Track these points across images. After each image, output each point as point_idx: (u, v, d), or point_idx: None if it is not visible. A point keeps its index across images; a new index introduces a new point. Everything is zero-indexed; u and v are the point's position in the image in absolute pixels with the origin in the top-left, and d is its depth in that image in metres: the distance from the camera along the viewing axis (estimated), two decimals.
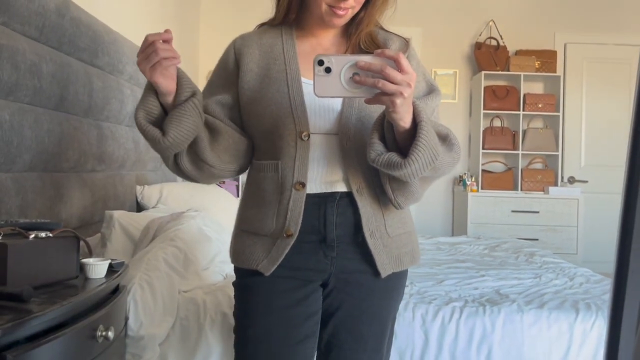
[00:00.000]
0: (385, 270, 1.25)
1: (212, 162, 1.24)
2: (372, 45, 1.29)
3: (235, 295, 1.32)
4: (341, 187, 1.23)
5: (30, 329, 1.01)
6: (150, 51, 1.08)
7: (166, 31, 1.09)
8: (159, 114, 1.16)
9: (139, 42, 3.16)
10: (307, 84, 1.24)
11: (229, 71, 1.31)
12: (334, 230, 1.23)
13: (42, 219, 1.81)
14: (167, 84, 1.12)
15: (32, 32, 1.78)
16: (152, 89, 1.15)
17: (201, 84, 4.79)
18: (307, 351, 1.26)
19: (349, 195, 1.23)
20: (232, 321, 1.81)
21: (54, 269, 1.25)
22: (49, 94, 1.86)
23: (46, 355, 1.03)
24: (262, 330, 1.24)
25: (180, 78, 1.15)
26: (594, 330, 1.89)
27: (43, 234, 1.23)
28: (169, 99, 1.15)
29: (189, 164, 1.23)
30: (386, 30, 1.35)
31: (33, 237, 1.21)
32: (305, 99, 1.23)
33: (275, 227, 1.23)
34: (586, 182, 5.04)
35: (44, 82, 1.82)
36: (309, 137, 1.22)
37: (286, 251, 1.22)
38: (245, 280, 1.29)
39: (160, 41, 1.08)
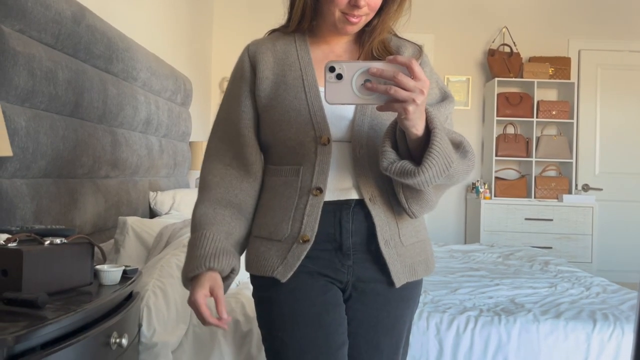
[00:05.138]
0: (399, 279, 1.23)
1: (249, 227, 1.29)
2: (385, 52, 1.28)
3: (258, 309, 1.28)
4: (354, 195, 1.22)
5: (45, 336, 1.01)
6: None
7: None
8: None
9: (152, 48, 3.16)
10: (323, 91, 1.23)
11: (246, 79, 1.29)
12: (350, 238, 1.21)
13: (57, 225, 1.82)
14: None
15: (48, 39, 1.79)
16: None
17: (213, 89, 4.83)
18: (344, 357, 1.22)
19: (361, 203, 1.22)
20: (244, 328, 1.80)
21: (69, 275, 1.25)
22: (64, 101, 1.87)
23: None
24: (300, 343, 1.19)
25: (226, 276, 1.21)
26: (612, 341, 1.86)
27: (58, 241, 1.23)
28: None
29: None
30: (399, 37, 1.33)
31: (48, 244, 1.21)
32: (323, 104, 1.22)
33: (291, 232, 1.21)
34: (601, 189, 4.99)
35: (60, 89, 1.83)
36: (329, 142, 1.21)
37: (302, 257, 1.19)
38: (266, 294, 1.25)
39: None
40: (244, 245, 1.28)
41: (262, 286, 1.25)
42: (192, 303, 1.15)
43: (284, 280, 1.20)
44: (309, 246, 1.19)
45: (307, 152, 1.21)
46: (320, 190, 1.20)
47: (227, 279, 1.21)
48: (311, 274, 1.22)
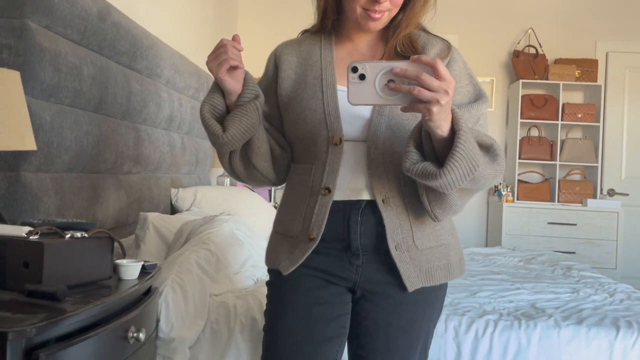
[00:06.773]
0: (412, 284, 1.21)
1: (260, 168, 1.27)
2: (410, 48, 1.25)
3: (266, 295, 1.35)
4: (366, 196, 1.21)
5: (63, 328, 1.02)
6: (221, 51, 1.14)
7: (234, 37, 1.18)
8: (223, 111, 1.21)
9: (176, 46, 3.17)
10: (341, 90, 1.23)
11: (268, 79, 1.34)
12: (359, 239, 1.21)
13: (79, 219, 1.84)
14: (233, 83, 1.17)
15: (74, 35, 1.82)
16: (219, 88, 1.20)
17: None
18: (330, 353, 1.24)
19: (373, 204, 1.20)
20: (262, 326, 1.81)
21: (88, 269, 1.26)
22: (88, 96, 1.90)
23: (79, 354, 1.04)
24: (286, 328, 1.24)
25: (247, 81, 1.19)
26: (635, 349, 1.82)
27: (79, 234, 1.24)
28: (233, 98, 1.19)
29: (241, 165, 1.27)
30: (428, 33, 1.29)
31: (69, 237, 1.22)
32: (340, 104, 1.22)
33: (301, 230, 1.24)
34: (627, 195, 4.89)
35: (84, 85, 1.85)
36: (340, 142, 1.20)
37: (307, 254, 1.22)
38: (273, 279, 1.32)
39: (232, 46, 1.15)
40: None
41: (271, 276, 1.32)
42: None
43: (285, 273, 1.24)
44: (314, 244, 1.21)
45: (319, 151, 1.22)
46: (329, 190, 1.20)
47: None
48: (315, 270, 1.24)
